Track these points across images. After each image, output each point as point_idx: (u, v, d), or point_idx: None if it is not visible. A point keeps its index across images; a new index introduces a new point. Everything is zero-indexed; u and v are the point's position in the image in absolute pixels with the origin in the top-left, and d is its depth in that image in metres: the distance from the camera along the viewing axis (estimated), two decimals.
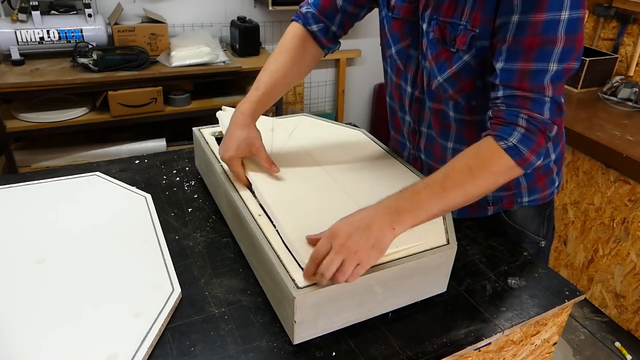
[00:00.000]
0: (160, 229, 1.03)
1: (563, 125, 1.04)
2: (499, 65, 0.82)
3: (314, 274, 0.74)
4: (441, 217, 0.96)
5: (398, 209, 0.77)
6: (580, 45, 0.79)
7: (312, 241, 0.80)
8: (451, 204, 0.80)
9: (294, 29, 1.10)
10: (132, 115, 2.18)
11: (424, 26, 0.94)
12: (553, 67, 0.78)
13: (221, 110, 1.24)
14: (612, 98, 2.29)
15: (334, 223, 0.76)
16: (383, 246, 0.75)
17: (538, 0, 0.75)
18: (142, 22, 2.28)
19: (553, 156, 1.03)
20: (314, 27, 1.08)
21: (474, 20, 0.85)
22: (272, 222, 0.89)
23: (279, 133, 1.21)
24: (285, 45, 1.08)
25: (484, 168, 0.80)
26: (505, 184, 1.02)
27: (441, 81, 0.95)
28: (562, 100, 0.83)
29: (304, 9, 1.10)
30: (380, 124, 3.33)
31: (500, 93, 0.83)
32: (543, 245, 1.13)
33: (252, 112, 1.02)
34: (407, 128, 1.13)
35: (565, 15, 0.75)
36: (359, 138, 1.24)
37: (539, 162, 0.83)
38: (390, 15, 1.02)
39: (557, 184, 1.09)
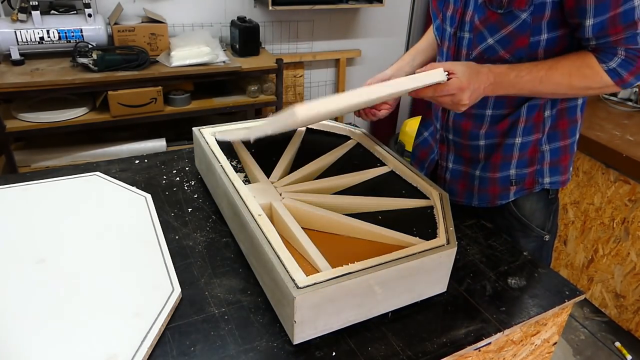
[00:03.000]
0: (160, 229, 1.03)
1: (584, 112, 1.09)
2: (588, 22, 0.88)
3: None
4: (441, 217, 0.96)
5: (499, 82, 0.93)
6: None
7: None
8: (540, 93, 0.96)
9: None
10: (132, 115, 2.18)
11: None
12: (637, 2, 0.85)
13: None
14: (612, 98, 2.29)
15: (462, 75, 0.89)
16: (477, 97, 0.92)
17: None
18: (142, 22, 2.28)
19: (577, 135, 1.08)
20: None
21: None
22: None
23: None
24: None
25: (583, 80, 0.92)
26: (529, 157, 1.09)
27: (491, 43, 0.99)
28: None
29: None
30: (380, 124, 3.32)
31: (594, 42, 0.91)
32: (547, 240, 1.14)
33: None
34: (440, 111, 1.17)
35: None
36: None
37: (635, 81, 0.92)
38: None
39: (570, 170, 1.14)
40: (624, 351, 2.00)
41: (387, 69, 1.21)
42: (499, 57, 0.99)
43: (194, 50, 2.24)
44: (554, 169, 1.09)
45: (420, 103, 1.49)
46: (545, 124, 1.05)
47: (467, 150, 1.13)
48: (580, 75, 0.92)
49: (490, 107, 1.06)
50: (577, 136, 1.10)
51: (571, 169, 1.14)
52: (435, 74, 0.88)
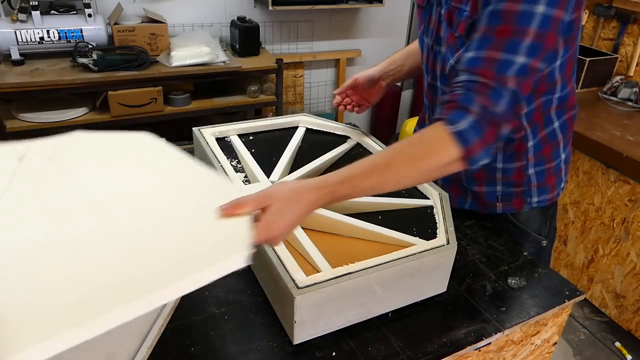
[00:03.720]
0: None
1: (572, 128, 1.04)
2: (470, 52, 0.79)
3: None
4: (441, 217, 0.96)
5: (334, 191, 0.72)
6: (549, 44, 0.76)
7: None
8: (385, 188, 0.76)
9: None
10: (132, 115, 2.18)
11: (442, 11, 0.95)
12: (520, 59, 0.75)
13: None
14: (612, 98, 2.29)
15: (269, 188, 0.71)
16: (299, 221, 0.70)
17: None
18: (142, 22, 2.28)
19: (563, 155, 1.04)
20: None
21: (472, 6, 0.85)
22: None
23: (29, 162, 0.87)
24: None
25: (426, 157, 0.75)
26: (515, 181, 1.04)
27: (452, 64, 0.96)
28: (526, 99, 0.79)
29: None
30: (380, 124, 3.33)
31: (463, 77, 0.79)
32: (544, 245, 1.13)
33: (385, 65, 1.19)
34: (427, 114, 1.16)
35: (540, 9, 0.73)
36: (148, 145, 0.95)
37: (484, 161, 0.77)
38: (417, 3, 1.06)
39: (562, 184, 1.10)
40: (624, 351, 2.00)
41: (375, 66, 1.21)
42: None
43: (194, 50, 2.24)
44: (541, 189, 1.06)
45: (420, 103, 1.49)
46: (528, 152, 1.00)
47: None
48: (426, 150, 0.76)
49: None
50: (564, 155, 1.05)
51: (563, 183, 1.10)
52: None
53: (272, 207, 0.68)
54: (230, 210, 0.67)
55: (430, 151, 0.76)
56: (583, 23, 2.53)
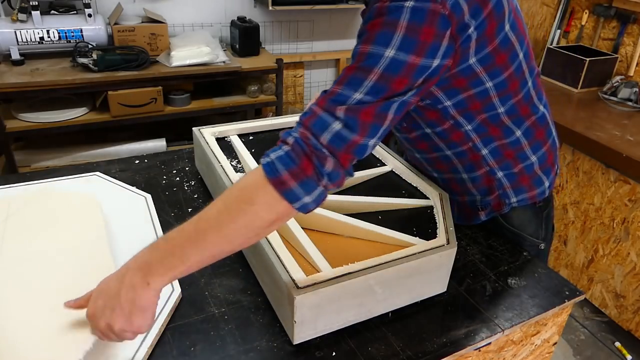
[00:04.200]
0: (160, 229, 1.03)
1: (548, 130, 1.02)
2: None
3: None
4: (441, 217, 0.96)
5: (149, 261, 0.68)
6: (396, 87, 0.71)
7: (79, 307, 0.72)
8: (212, 249, 0.68)
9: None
10: (132, 115, 2.18)
11: None
12: (358, 96, 0.70)
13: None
14: (612, 98, 2.29)
15: (90, 301, 0.69)
16: (143, 306, 0.67)
17: (369, 32, 0.72)
18: (142, 22, 2.28)
19: (534, 158, 1.01)
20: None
21: None
22: None
23: None
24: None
25: (238, 199, 0.69)
26: (487, 187, 1.02)
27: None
28: (362, 132, 0.70)
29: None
30: None
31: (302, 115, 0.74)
32: (542, 248, 1.12)
33: None
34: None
35: (390, 53, 0.69)
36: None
37: (307, 198, 0.68)
38: None
39: (547, 184, 1.07)
40: (624, 351, 2.00)
41: None
42: (419, 125, 0.96)
43: (194, 50, 2.24)
44: (517, 190, 1.04)
45: None
46: (486, 160, 0.98)
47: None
48: (238, 193, 0.70)
49: (417, 150, 1.05)
50: (535, 157, 1.01)
51: (547, 182, 1.06)
52: None
53: (99, 305, 0.67)
54: (73, 305, 0.72)
55: (241, 190, 0.69)
56: (583, 23, 2.53)
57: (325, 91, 0.74)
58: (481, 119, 0.91)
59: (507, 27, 0.80)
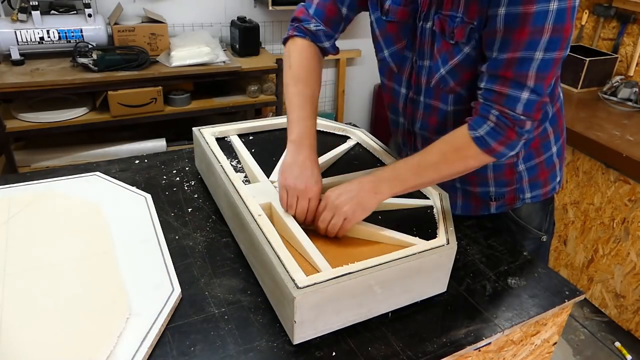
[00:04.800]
0: (160, 229, 1.03)
1: (563, 119, 1.05)
2: (490, 55, 0.85)
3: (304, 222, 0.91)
4: (441, 217, 0.96)
5: (379, 178, 0.90)
6: (567, 34, 0.79)
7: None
8: (426, 179, 0.92)
9: (307, 49, 1.06)
10: (132, 115, 2.18)
11: (428, 24, 0.95)
12: (539, 55, 0.79)
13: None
14: (612, 98, 2.29)
15: (331, 193, 0.90)
16: (366, 206, 0.89)
17: None
18: (142, 22, 2.28)
19: (554, 149, 1.04)
20: (326, 44, 1.08)
21: (471, 12, 0.86)
22: None
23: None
24: (306, 69, 1.04)
25: (456, 153, 0.89)
26: (507, 179, 1.04)
27: (443, 74, 0.96)
28: (547, 91, 0.84)
29: (312, 26, 1.06)
30: (380, 124, 3.33)
31: (483, 84, 0.87)
32: (544, 240, 1.13)
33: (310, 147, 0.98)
34: (402, 129, 1.14)
35: (554, 6, 0.76)
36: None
37: (512, 152, 0.88)
38: (385, 18, 1.02)
39: (558, 179, 1.10)
40: (624, 351, 2.00)
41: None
42: (451, 88, 0.97)
43: (194, 50, 2.24)
44: (533, 184, 1.07)
45: None
46: None
47: None
48: (453, 150, 0.89)
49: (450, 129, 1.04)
50: (556, 148, 1.06)
51: (558, 178, 1.10)
52: None
53: (343, 198, 0.89)
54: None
55: (457, 148, 0.88)
56: (583, 23, 2.53)
57: (495, 60, 0.82)
58: None
59: None
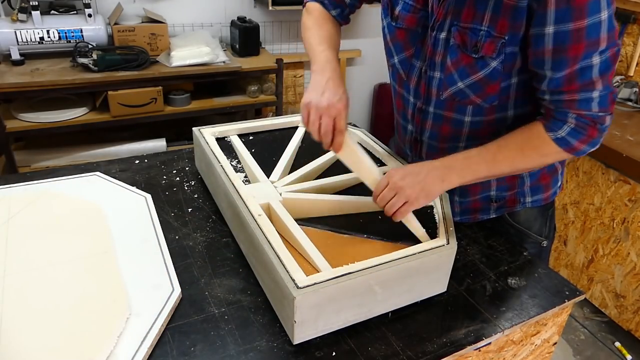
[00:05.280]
0: (160, 229, 1.03)
1: None
2: (545, 74, 0.84)
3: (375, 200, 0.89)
4: (441, 217, 0.96)
5: (449, 166, 0.88)
6: (614, 35, 0.79)
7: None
8: (498, 172, 0.91)
9: (318, 9, 1.12)
10: (132, 115, 2.18)
11: (442, 35, 0.92)
12: (596, 60, 0.79)
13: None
14: None
15: (396, 172, 0.88)
16: (431, 192, 0.87)
17: (577, 9, 0.75)
18: (142, 22, 2.28)
19: None
20: (333, 12, 1.12)
21: (500, 27, 0.84)
22: None
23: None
24: (319, 20, 1.10)
25: (535, 150, 0.88)
26: (508, 183, 1.04)
27: (462, 87, 0.94)
28: (613, 87, 0.84)
29: None
30: (380, 124, 3.33)
31: (547, 96, 0.86)
32: (545, 245, 1.13)
33: (332, 68, 0.98)
34: (409, 136, 1.13)
35: (605, 14, 0.76)
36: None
37: (593, 148, 0.88)
38: (394, 24, 1.01)
39: (559, 183, 1.09)
40: (624, 351, 2.00)
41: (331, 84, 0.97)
42: (471, 100, 0.95)
43: (194, 50, 2.24)
44: (535, 188, 1.06)
45: None
46: None
47: None
48: (531, 147, 0.88)
49: (464, 140, 1.02)
50: None
51: (559, 183, 1.09)
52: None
53: (407, 182, 0.87)
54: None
55: (537, 146, 0.88)
56: None
57: (554, 79, 0.82)
58: (530, 108, 0.95)
59: None
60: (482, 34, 0.86)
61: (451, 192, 1.07)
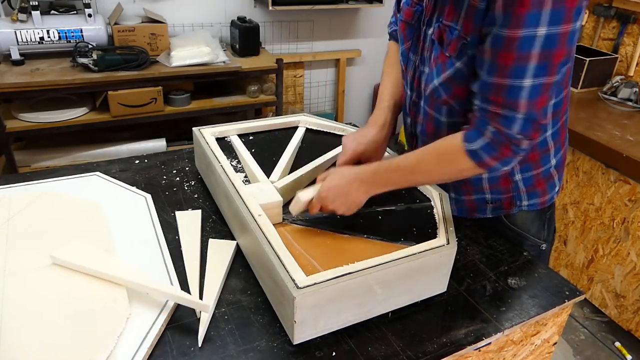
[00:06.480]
0: (160, 229, 1.03)
1: (567, 132, 1.03)
2: (480, 75, 0.82)
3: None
4: (441, 217, 0.96)
5: (373, 182, 0.93)
6: (558, 59, 0.76)
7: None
8: (416, 183, 0.99)
9: (392, 47, 1.20)
10: (132, 115, 2.18)
11: (430, 30, 0.94)
12: (528, 82, 0.76)
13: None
14: (612, 98, 2.29)
15: (323, 186, 0.92)
16: (359, 203, 0.93)
17: (515, 15, 0.73)
18: (142, 22, 2.28)
19: (554, 161, 1.02)
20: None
21: (466, 27, 0.84)
22: None
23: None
24: (391, 60, 1.18)
25: (450, 165, 0.88)
26: (503, 188, 1.03)
27: (437, 85, 0.95)
28: (543, 114, 0.80)
29: (390, 29, 1.21)
30: None
31: (477, 101, 0.85)
32: (544, 249, 1.12)
33: (382, 116, 1.09)
34: (407, 129, 1.14)
35: (542, 31, 0.73)
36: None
37: (506, 168, 0.87)
38: (399, 16, 1.04)
39: (557, 188, 1.08)
40: (624, 351, 2.00)
41: (373, 119, 1.10)
42: (444, 100, 0.95)
43: (194, 50, 2.24)
44: (530, 193, 1.05)
45: None
46: None
47: None
48: (447, 161, 0.88)
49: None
50: (555, 160, 1.03)
51: (557, 187, 1.08)
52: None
53: (330, 196, 0.91)
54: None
55: (451, 159, 0.87)
56: (583, 23, 2.53)
57: (484, 83, 0.81)
58: None
59: None
60: (456, 33, 0.86)
61: (445, 189, 1.07)
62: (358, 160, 1.04)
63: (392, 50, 1.19)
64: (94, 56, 2.06)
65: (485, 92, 0.81)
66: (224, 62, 2.29)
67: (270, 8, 2.48)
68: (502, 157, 0.83)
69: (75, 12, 2.19)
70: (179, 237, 1.03)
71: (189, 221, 1.07)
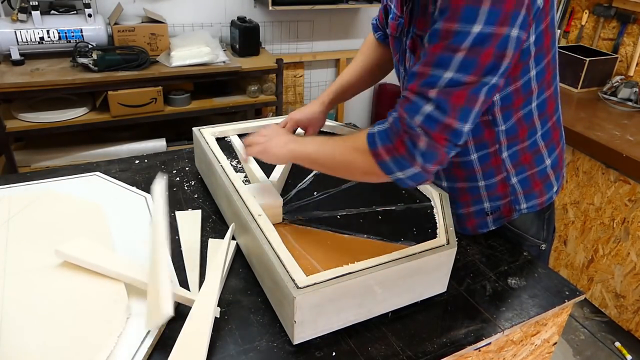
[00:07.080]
0: None
1: (561, 131, 1.03)
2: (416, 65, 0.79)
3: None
4: (441, 217, 0.96)
5: (294, 139, 0.96)
6: (485, 60, 0.72)
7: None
8: (326, 156, 0.88)
9: (369, 37, 1.27)
10: (132, 115, 2.18)
11: (408, 41, 0.94)
12: (448, 74, 0.72)
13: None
14: (612, 98, 2.29)
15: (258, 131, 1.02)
16: (277, 152, 0.95)
17: (452, 9, 0.71)
18: (142, 22, 2.28)
19: (549, 161, 1.01)
20: (376, 35, 1.23)
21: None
22: None
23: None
24: (363, 48, 1.26)
25: (350, 140, 0.84)
26: (500, 194, 1.03)
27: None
28: (460, 115, 0.74)
29: (373, 21, 1.25)
30: None
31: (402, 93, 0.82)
32: (543, 249, 1.12)
33: (326, 97, 1.21)
34: None
35: (477, 29, 0.70)
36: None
37: (399, 173, 0.77)
38: (387, 31, 1.05)
39: (555, 188, 1.07)
40: (624, 351, 2.00)
41: (321, 97, 1.22)
42: None
43: (194, 50, 2.24)
44: (528, 195, 1.04)
45: None
46: (505, 164, 0.98)
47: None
48: (351, 139, 0.83)
49: None
50: (550, 160, 1.02)
51: (555, 187, 1.07)
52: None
53: (258, 139, 1.00)
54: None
55: (351, 140, 0.84)
56: (583, 23, 2.53)
57: (411, 74, 0.77)
58: (517, 118, 0.92)
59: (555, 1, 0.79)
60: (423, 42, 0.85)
61: None
62: (297, 127, 1.18)
63: (367, 39, 1.27)
64: (94, 56, 2.06)
65: (408, 82, 0.78)
66: (224, 62, 2.29)
67: (270, 8, 2.48)
68: (394, 152, 0.76)
69: (75, 12, 2.19)
70: (179, 237, 1.03)
71: (189, 221, 1.07)
